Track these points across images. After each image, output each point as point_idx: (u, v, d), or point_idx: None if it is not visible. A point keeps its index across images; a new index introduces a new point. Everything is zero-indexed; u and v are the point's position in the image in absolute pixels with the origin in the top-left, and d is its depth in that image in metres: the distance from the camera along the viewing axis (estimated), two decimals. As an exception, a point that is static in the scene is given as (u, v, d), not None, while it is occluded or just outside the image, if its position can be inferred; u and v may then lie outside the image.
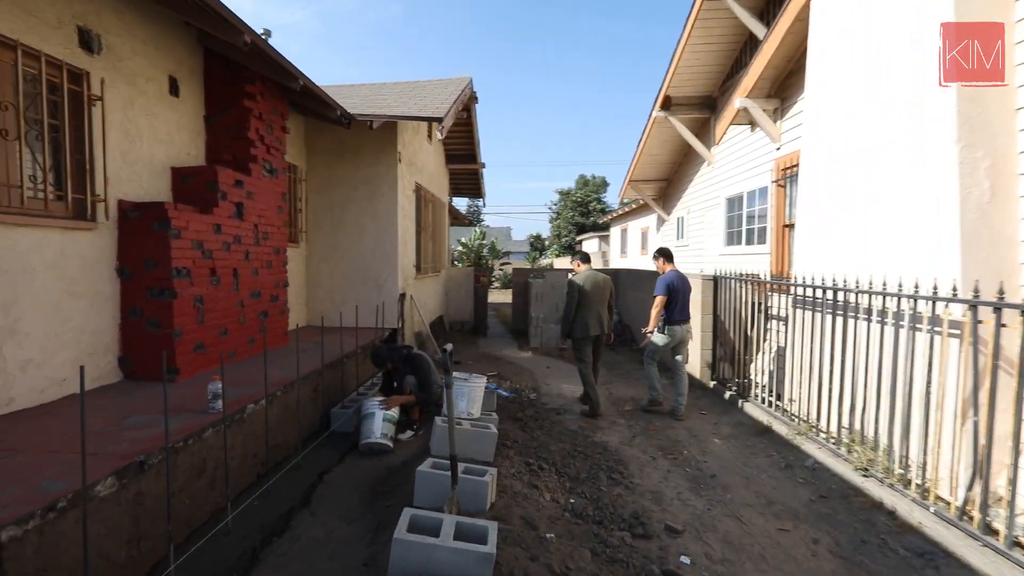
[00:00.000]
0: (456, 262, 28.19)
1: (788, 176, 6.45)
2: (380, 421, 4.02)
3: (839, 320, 4.00)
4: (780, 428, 4.53)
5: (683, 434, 4.75)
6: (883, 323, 3.56)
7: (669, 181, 12.45)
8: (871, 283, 3.64)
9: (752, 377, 5.30)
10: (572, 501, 3.22)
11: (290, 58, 4.45)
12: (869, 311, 3.69)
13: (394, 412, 4.15)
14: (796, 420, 4.48)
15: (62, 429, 2.79)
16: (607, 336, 5.35)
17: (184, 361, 3.86)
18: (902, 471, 3.30)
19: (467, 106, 9.36)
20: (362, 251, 6.90)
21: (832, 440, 3.99)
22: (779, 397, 4.82)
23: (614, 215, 18.04)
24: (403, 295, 7.13)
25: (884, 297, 3.50)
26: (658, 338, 5.18)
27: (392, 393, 4.59)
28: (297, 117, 6.67)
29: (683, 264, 11.70)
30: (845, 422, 3.93)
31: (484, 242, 29.22)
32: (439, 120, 6.01)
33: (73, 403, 3.27)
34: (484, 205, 15.69)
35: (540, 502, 3.07)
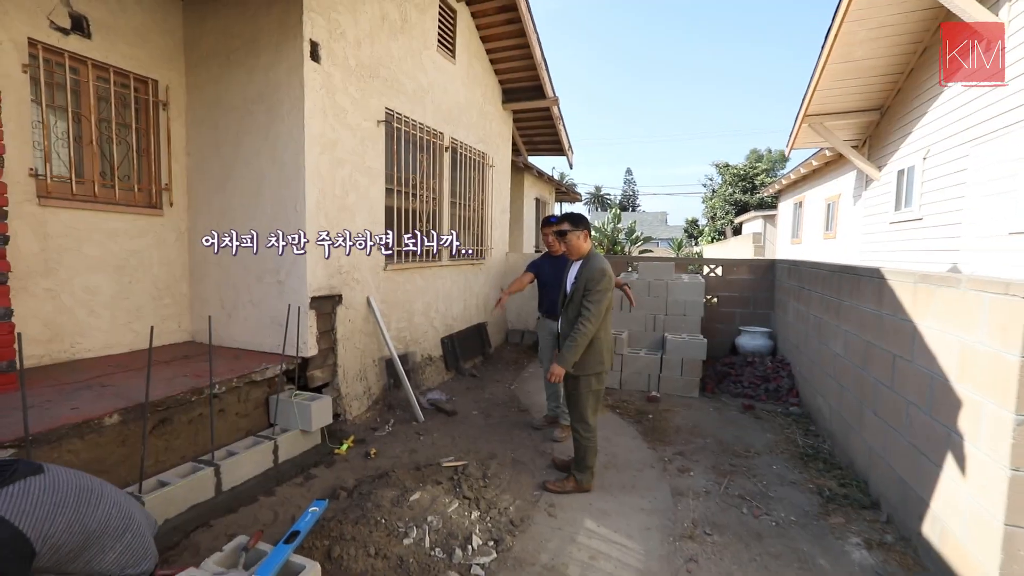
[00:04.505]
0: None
1: None
2: None
3: None
4: None
5: None
6: None
7: (882, 112, 7.26)
8: None
9: None
10: None
11: None
12: None
13: None
14: None
15: None
16: None
17: None
18: None
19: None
20: (261, 220, 4.02)
21: None
22: None
23: (784, 183, 12.59)
24: (332, 297, 4.09)
25: None
26: None
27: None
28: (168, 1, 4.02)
29: (916, 254, 6.43)
30: None
31: (620, 226, 25.13)
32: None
33: None
34: (572, 167, 11.44)
35: None
